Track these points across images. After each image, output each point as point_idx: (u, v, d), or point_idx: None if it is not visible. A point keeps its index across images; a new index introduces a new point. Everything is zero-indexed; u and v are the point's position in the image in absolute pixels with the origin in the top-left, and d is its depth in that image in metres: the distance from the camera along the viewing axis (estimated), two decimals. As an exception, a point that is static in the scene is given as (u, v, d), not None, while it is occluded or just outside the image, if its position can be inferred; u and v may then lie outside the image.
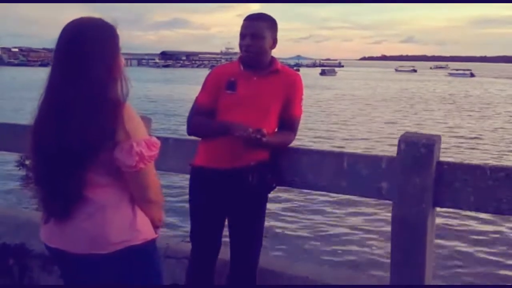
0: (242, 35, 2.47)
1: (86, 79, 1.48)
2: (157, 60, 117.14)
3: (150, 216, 1.67)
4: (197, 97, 2.59)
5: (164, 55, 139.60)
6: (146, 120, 3.22)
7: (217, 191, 2.49)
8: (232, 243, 2.59)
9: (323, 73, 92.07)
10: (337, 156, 2.65)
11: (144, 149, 1.51)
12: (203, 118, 2.53)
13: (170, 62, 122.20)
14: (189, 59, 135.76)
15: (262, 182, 2.50)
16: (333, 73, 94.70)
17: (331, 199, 8.79)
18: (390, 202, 2.44)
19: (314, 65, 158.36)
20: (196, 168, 2.58)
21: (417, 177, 2.31)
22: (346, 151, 2.80)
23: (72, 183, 1.49)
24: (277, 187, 2.64)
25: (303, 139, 15.99)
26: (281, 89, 2.52)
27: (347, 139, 17.46)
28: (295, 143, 2.69)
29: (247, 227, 2.56)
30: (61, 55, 1.52)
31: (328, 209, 8.65)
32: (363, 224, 7.94)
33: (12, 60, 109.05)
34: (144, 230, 1.63)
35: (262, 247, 2.62)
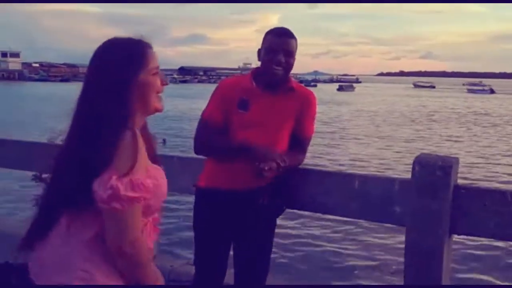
0: (273, 51, 2.31)
1: (95, 102, 1.39)
2: (175, 76, 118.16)
3: (130, 279, 1.42)
4: (204, 112, 2.44)
5: (182, 70, 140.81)
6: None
7: (223, 213, 2.37)
8: (237, 268, 2.45)
9: (340, 88, 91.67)
10: (348, 177, 2.53)
11: (123, 187, 1.30)
12: (213, 135, 2.38)
13: (188, 77, 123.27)
14: (206, 75, 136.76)
15: (272, 204, 2.38)
16: (350, 88, 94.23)
17: (334, 224, 8.19)
18: (403, 227, 2.31)
19: (331, 80, 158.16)
20: (201, 189, 2.46)
21: (433, 201, 2.18)
22: (357, 172, 2.67)
23: (51, 213, 1.40)
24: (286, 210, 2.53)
25: (313, 156, 15.57)
26: (295, 108, 2.40)
27: (359, 159, 16.41)
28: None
29: (254, 251, 2.41)
30: (88, 75, 1.45)
31: (334, 234, 8.11)
32: (373, 252, 7.31)
33: (32, 75, 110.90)
34: (92, 280, 1.37)
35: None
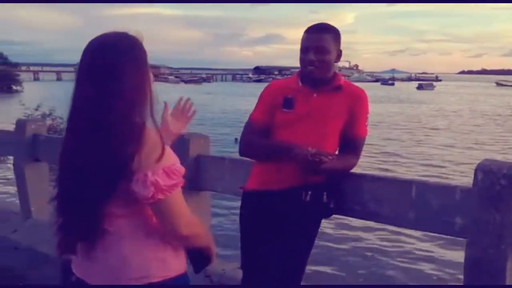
0: (304, 49, 2.26)
1: (107, 102, 1.34)
2: (250, 75, 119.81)
3: (194, 248, 1.54)
4: (251, 114, 2.42)
5: (258, 70, 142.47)
6: (202, 139, 3.17)
7: (267, 216, 2.29)
8: (271, 264, 2.28)
9: (420, 87, 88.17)
10: (404, 184, 2.35)
11: (161, 178, 1.35)
12: (257, 137, 2.35)
13: (262, 76, 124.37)
14: (281, 74, 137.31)
15: (317, 202, 2.26)
16: (430, 87, 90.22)
17: (386, 234, 7.46)
18: (464, 239, 2.11)
19: (409, 79, 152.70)
20: (247, 192, 2.42)
21: (496, 212, 1.97)
22: (415, 178, 2.48)
23: (94, 218, 1.39)
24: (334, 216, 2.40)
25: (372, 158, 14.69)
26: (344, 107, 2.28)
27: (433, 164, 14.76)
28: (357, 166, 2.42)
29: (291, 249, 2.25)
30: (82, 76, 1.39)
31: (385, 242, 7.37)
32: (429, 266, 6.56)
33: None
34: (166, 266, 1.47)
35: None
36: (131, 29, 1.46)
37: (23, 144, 4.29)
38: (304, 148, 2.12)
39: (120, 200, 1.39)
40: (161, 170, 1.35)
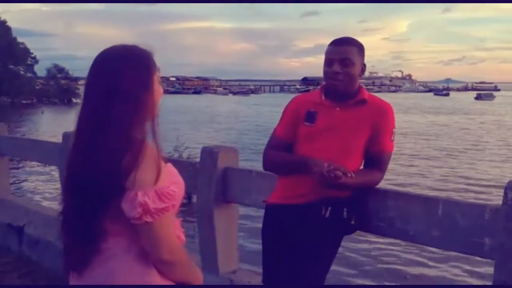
0: (329, 61, 2.24)
1: (107, 117, 1.31)
2: (298, 86, 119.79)
3: (172, 279, 1.42)
4: (275, 129, 2.43)
5: (306, 80, 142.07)
6: (231, 152, 3.19)
7: (287, 230, 2.27)
8: (289, 280, 2.22)
9: (478, 97, 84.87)
10: (430, 202, 2.27)
11: (151, 200, 1.28)
12: (278, 151, 2.35)
13: (311, 87, 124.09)
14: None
15: (337, 217, 2.21)
16: (490, 97, 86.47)
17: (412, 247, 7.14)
18: (492, 261, 2.01)
19: (465, 88, 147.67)
20: (268, 206, 2.41)
21: (526, 234, 1.86)
22: (442, 196, 2.39)
23: (89, 235, 1.36)
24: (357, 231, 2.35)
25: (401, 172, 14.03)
26: (368, 121, 2.24)
27: (481, 184, 13.56)
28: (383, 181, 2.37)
29: (310, 265, 2.19)
30: (87, 90, 1.38)
31: (414, 256, 7.12)
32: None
33: (169, 88, 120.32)
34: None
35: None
36: (145, 42, 1.42)
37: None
38: (320, 163, 2.09)
39: (114, 217, 1.33)
40: (153, 192, 1.29)
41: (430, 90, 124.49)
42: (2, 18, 46.35)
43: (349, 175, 2.07)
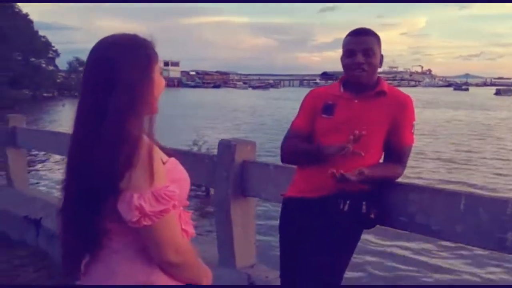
0: (349, 52, 2.19)
1: (104, 110, 1.22)
2: (318, 80, 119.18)
3: (179, 279, 1.35)
4: (293, 121, 2.40)
5: (325, 75, 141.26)
6: (249, 145, 3.16)
7: (305, 224, 2.24)
8: (306, 275, 2.18)
9: (498, 93, 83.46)
10: (453, 196, 2.22)
11: (147, 203, 1.20)
12: (297, 143, 2.31)
13: (330, 82, 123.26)
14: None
15: (355, 211, 2.17)
16: (509, 93, 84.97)
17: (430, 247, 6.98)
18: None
19: (484, 84, 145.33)
20: (286, 200, 2.39)
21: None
22: (464, 190, 2.33)
23: (88, 235, 1.29)
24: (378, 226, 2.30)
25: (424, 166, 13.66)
26: (387, 113, 2.19)
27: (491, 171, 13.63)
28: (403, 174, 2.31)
29: (328, 260, 2.14)
30: (84, 81, 1.29)
31: (438, 252, 6.90)
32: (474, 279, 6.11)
33: (189, 82, 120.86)
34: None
35: None
36: (144, 31, 1.33)
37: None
38: (334, 148, 2.07)
39: (113, 216, 1.25)
40: (149, 194, 1.21)
41: (449, 85, 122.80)
42: (24, 12, 46.97)
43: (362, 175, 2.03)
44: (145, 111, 1.27)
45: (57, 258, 4.19)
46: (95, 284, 1.33)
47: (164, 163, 1.30)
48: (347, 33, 2.27)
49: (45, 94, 46.96)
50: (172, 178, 1.30)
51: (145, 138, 1.26)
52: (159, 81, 1.33)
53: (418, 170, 12.98)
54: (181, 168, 1.38)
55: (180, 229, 1.34)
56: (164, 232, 1.26)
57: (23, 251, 4.52)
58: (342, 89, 2.27)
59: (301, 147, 2.29)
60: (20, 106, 28.09)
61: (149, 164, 1.22)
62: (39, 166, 12.75)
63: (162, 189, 1.23)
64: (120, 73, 1.23)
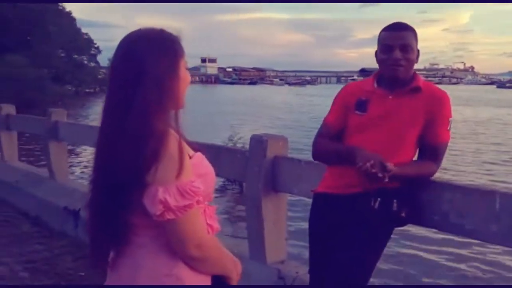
0: (387, 47, 2.14)
1: (130, 104, 1.23)
2: (355, 77, 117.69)
3: (205, 272, 1.35)
4: (325, 117, 2.38)
5: (363, 71, 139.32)
6: (281, 140, 3.16)
7: (334, 220, 2.23)
8: (334, 271, 2.17)
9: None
10: (487, 194, 2.16)
11: (172, 198, 1.21)
12: (327, 141, 2.31)
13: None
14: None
15: (386, 210, 2.14)
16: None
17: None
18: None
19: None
20: (316, 196, 2.38)
21: None
22: (500, 188, 2.26)
23: (114, 229, 1.31)
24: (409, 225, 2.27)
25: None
26: (422, 110, 2.15)
27: None
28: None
29: (357, 257, 2.12)
30: (112, 75, 1.31)
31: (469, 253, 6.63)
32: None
33: (226, 79, 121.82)
34: (180, 284, 1.32)
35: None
36: (172, 26, 1.34)
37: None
38: (365, 156, 2.03)
39: (139, 210, 1.27)
40: (174, 188, 1.22)
41: (492, 83, 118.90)
42: (67, 10, 48.35)
43: (390, 168, 2.00)
44: (171, 106, 1.28)
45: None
46: (122, 279, 1.34)
47: (190, 158, 1.31)
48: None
49: (87, 90, 48.20)
50: (198, 172, 1.30)
51: (173, 132, 1.26)
52: (185, 76, 1.33)
53: (456, 169, 12.62)
54: (206, 163, 1.38)
55: (204, 224, 1.35)
56: (187, 226, 1.27)
57: (63, 240, 4.69)
58: (376, 85, 2.23)
59: (332, 147, 2.27)
60: (63, 102, 28.91)
61: (176, 159, 1.22)
62: (79, 159, 13.12)
63: (187, 184, 1.23)
64: (147, 67, 1.24)
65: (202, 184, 1.28)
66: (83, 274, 3.90)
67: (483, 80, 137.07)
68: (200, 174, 1.31)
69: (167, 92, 1.26)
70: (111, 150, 1.25)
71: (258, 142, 3.11)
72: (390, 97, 2.17)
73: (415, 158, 2.25)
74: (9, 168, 6.71)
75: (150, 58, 1.25)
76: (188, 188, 1.23)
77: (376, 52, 2.23)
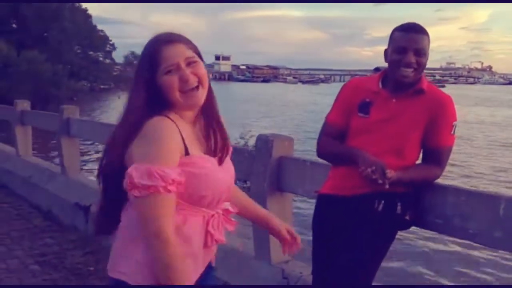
0: (401, 49, 2.09)
1: (127, 102, 1.46)
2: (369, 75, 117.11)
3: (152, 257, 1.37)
4: (327, 115, 2.36)
5: (378, 70, 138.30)
6: (287, 140, 3.17)
7: (338, 222, 2.23)
8: (337, 273, 2.17)
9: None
10: (492, 199, 2.15)
11: (138, 174, 1.30)
12: (332, 140, 2.30)
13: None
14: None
15: (390, 212, 2.14)
16: None
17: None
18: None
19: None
20: (320, 196, 2.38)
21: None
22: (505, 193, 2.24)
23: (109, 207, 1.49)
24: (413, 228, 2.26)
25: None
26: (425, 113, 2.13)
27: None
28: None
29: (360, 259, 2.13)
30: (136, 74, 1.51)
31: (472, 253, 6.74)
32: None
33: (239, 76, 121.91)
34: (143, 271, 1.37)
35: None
36: (198, 26, 1.53)
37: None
38: (367, 160, 2.04)
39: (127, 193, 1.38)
40: (144, 167, 1.30)
41: (510, 83, 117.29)
42: (83, 7, 48.84)
43: (390, 176, 2.00)
44: (156, 102, 1.42)
45: (105, 244, 4.38)
46: (114, 250, 1.47)
47: (189, 155, 1.39)
48: (400, 27, 2.16)
49: (102, 86, 48.67)
50: (190, 170, 1.38)
51: (170, 125, 1.37)
52: (168, 80, 1.44)
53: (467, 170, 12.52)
54: (208, 166, 1.44)
55: (170, 217, 1.35)
56: (149, 210, 1.32)
57: (73, 235, 4.76)
58: (380, 85, 2.21)
59: (335, 148, 2.27)
60: (78, 97, 29.25)
61: (156, 140, 1.34)
62: (91, 156, 13.26)
63: (159, 168, 1.31)
64: (136, 69, 1.47)
65: (183, 177, 1.35)
66: (92, 268, 3.95)
67: (501, 80, 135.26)
68: (193, 173, 1.38)
69: (147, 91, 1.42)
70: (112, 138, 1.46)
71: (264, 142, 3.12)
72: (394, 100, 2.15)
73: (419, 161, 2.25)
74: (23, 163, 6.82)
75: (139, 61, 1.46)
76: (159, 171, 1.30)
77: (386, 50, 2.20)
